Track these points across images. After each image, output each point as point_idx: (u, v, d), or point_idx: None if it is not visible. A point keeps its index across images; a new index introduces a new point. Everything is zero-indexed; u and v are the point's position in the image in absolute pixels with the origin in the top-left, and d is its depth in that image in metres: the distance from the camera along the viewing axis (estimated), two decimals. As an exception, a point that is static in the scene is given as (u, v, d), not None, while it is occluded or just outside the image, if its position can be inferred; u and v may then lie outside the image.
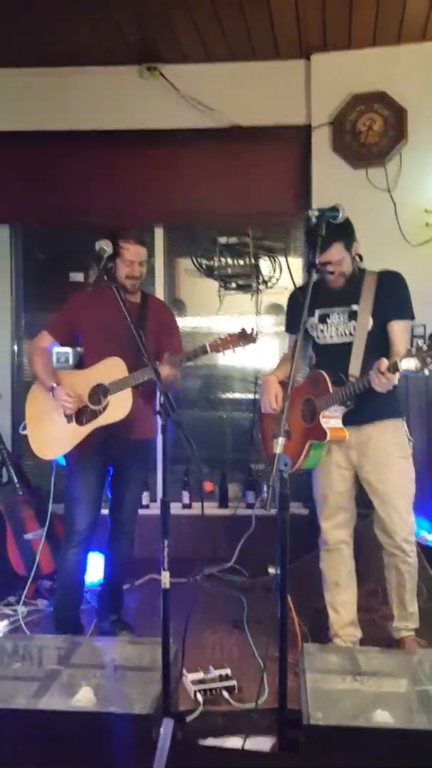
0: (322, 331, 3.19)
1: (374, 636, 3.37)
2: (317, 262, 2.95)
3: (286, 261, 4.86)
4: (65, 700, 2.32)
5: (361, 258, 3.16)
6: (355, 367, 3.02)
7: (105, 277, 3.12)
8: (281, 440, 2.29)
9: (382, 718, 2.18)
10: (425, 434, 4.18)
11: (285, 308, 3.48)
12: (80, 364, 3.45)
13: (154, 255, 4.88)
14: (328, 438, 2.98)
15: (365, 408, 3.00)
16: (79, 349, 3.54)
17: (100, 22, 4.12)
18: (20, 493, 4.15)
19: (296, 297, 3.33)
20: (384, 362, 2.72)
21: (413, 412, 4.19)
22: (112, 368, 3.17)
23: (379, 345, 3.05)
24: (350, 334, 3.10)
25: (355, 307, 3.10)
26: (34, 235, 5.16)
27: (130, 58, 4.60)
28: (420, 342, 2.60)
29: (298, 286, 3.35)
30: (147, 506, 4.75)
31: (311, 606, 3.69)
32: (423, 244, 4.37)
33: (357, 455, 3.13)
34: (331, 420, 3.01)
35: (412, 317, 3.12)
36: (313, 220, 2.59)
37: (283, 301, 4.50)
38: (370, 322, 3.07)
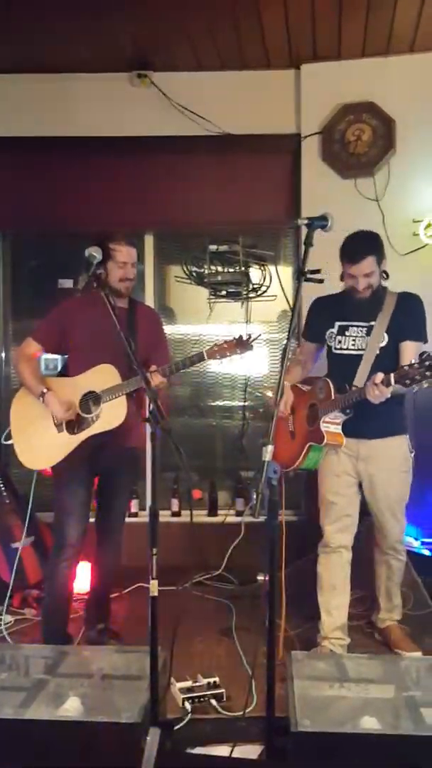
0: (339, 341, 3.28)
1: (361, 642, 3.39)
2: (348, 273, 3.18)
3: (276, 269, 4.87)
4: (52, 709, 2.31)
5: (387, 275, 3.26)
6: (360, 379, 3.13)
7: (95, 284, 3.09)
8: (270, 448, 2.31)
9: (370, 724, 2.18)
10: (413, 446, 4.21)
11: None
12: (65, 371, 3.37)
13: (144, 262, 4.89)
14: (324, 441, 3.14)
15: (374, 423, 3.15)
16: (65, 356, 3.46)
17: (93, 30, 4.12)
18: (7, 501, 4.13)
19: (318, 305, 3.42)
20: (379, 376, 2.85)
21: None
22: (103, 375, 3.13)
23: (389, 361, 3.14)
24: (365, 347, 3.20)
25: (374, 323, 3.21)
26: (23, 241, 5.15)
27: (121, 65, 4.60)
28: (412, 360, 2.77)
29: (323, 295, 3.40)
30: (136, 514, 4.75)
31: (300, 614, 3.70)
32: (410, 254, 4.40)
33: (364, 466, 3.26)
34: (331, 426, 3.17)
35: (426, 341, 3.23)
36: (304, 228, 2.61)
37: (276, 308, 4.54)
38: (385, 338, 3.18)
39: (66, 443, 3.15)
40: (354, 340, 3.24)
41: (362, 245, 3.16)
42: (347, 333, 3.26)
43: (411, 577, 3.69)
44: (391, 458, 3.26)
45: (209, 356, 3.12)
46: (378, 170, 4.49)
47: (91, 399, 3.14)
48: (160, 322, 3.61)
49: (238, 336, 3.12)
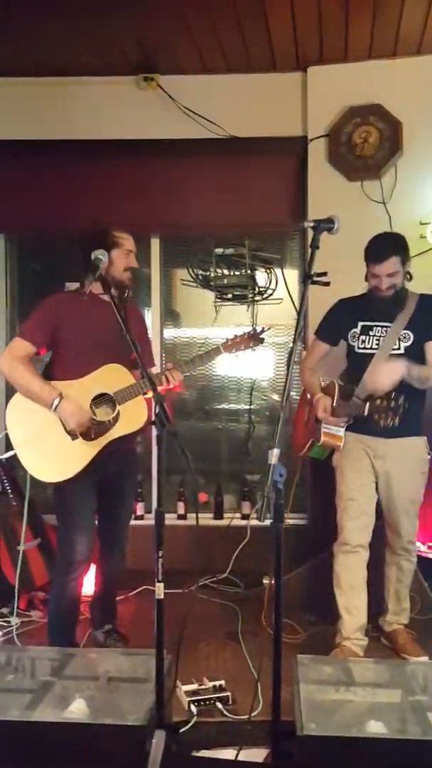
0: (363, 341, 3.31)
1: (368, 646, 3.37)
2: (372, 273, 3.24)
3: (282, 272, 4.87)
4: (59, 711, 2.31)
5: (410, 277, 3.31)
6: (363, 391, 3.16)
7: (102, 287, 3.06)
8: (276, 451, 2.29)
9: (376, 728, 2.17)
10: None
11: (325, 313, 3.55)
12: (49, 373, 3.12)
13: (150, 265, 4.90)
14: (321, 441, 3.29)
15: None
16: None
17: (98, 33, 4.13)
18: (14, 504, 4.13)
19: (340, 306, 3.46)
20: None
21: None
22: (114, 376, 3.01)
23: (416, 361, 3.17)
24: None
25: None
26: (30, 244, 5.17)
27: (128, 68, 4.61)
28: (379, 401, 2.94)
29: (347, 297, 3.45)
30: (141, 517, 4.76)
31: (306, 619, 3.70)
32: (417, 256, 4.37)
33: (381, 463, 3.29)
34: (332, 428, 3.27)
35: None
36: (310, 231, 2.61)
37: (282, 311, 4.53)
38: (410, 338, 3.22)
39: (85, 451, 2.99)
40: (378, 340, 3.27)
41: (387, 245, 3.22)
42: (371, 333, 3.30)
43: (418, 581, 3.68)
44: (409, 458, 3.29)
45: (225, 350, 3.19)
46: (385, 173, 4.48)
47: (106, 401, 3.02)
48: (145, 320, 3.54)
49: (250, 329, 3.23)
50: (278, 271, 4.88)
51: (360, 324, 3.33)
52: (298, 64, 4.57)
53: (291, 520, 4.36)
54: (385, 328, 3.27)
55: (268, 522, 2.25)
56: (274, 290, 4.85)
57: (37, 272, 5.22)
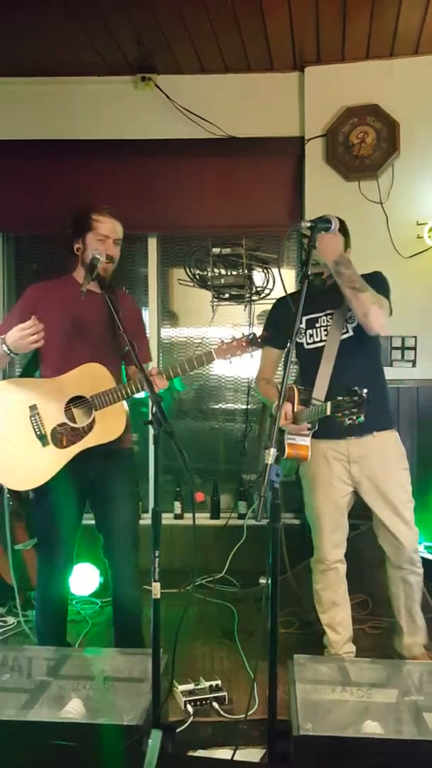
0: (311, 335, 3.13)
1: (364, 646, 3.37)
2: (312, 260, 3.01)
3: (279, 272, 4.85)
4: (55, 711, 2.31)
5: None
6: (320, 390, 2.96)
7: (99, 287, 3.02)
8: (272, 451, 2.27)
9: (372, 728, 2.18)
10: (414, 444, 4.22)
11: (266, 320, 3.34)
12: (35, 369, 2.99)
13: (147, 265, 4.90)
14: (285, 455, 2.89)
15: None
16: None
17: (96, 33, 4.13)
18: (11, 503, 4.12)
19: (279, 305, 3.27)
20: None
21: (404, 422, 4.23)
22: (92, 377, 2.82)
23: (357, 354, 3.04)
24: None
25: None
26: (27, 243, 5.16)
27: (125, 68, 4.61)
28: (340, 397, 2.56)
29: (277, 298, 3.27)
30: (139, 516, 4.74)
31: (301, 618, 3.70)
32: (414, 257, 4.39)
33: (358, 469, 3.08)
34: (297, 437, 2.95)
35: (388, 298, 3.03)
36: (306, 231, 2.60)
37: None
38: (347, 328, 3.03)
39: (55, 459, 2.80)
40: (326, 330, 3.07)
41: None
42: (317, 324, 3.11)
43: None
44: (387, 455, 3.08)
45: (218, 356, 2.79)
46: (382, 173, 4.49)
47: (81, 404, 2.84)
48: (140, 311, 3.24)
49: (249, 334, 2.82)
50: (275, 270, 4.88)
51: (304, 318, 3.11)
52: (296, 64, 4.57)
53: (286, 519, 4.37)
54: (330, 316, 3.08)
55: (264, 522, 2.25)
56: (271, 290, 4.85)
57: (35, 272, 5.21)
